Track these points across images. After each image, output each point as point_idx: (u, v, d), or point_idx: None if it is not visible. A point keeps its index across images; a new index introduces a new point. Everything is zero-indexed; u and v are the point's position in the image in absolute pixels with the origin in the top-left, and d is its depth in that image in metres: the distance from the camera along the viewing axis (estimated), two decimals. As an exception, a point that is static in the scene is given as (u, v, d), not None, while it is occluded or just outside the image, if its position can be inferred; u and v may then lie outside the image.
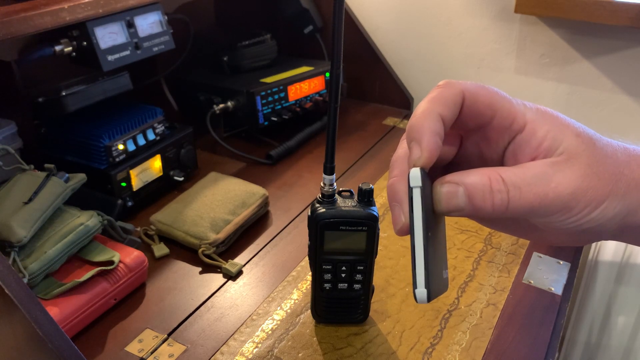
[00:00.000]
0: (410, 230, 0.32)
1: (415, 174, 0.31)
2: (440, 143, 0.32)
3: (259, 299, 0.72)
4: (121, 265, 0.70)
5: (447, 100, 0.33)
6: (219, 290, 0.74)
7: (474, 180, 0.31)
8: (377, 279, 0.74)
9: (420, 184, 0.31)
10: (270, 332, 0.67)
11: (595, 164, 0.32)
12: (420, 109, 0.33)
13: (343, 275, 0.63)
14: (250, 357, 0.63)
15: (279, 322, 0.68)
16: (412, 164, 0.32)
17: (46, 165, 0.74)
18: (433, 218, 0.33)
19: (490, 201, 0.31)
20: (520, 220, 0.36)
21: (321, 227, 0.60)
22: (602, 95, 1.12)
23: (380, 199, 0.92)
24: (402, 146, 0.37)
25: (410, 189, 0.32)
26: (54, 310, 0.63)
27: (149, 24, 0.85)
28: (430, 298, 0.33)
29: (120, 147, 0.84)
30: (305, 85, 1.12)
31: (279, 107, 1.09)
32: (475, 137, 0.36)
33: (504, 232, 0.38)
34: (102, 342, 0.65)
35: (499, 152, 0.35)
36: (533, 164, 0.32)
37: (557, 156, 0.32)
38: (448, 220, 0.86)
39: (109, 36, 0.79)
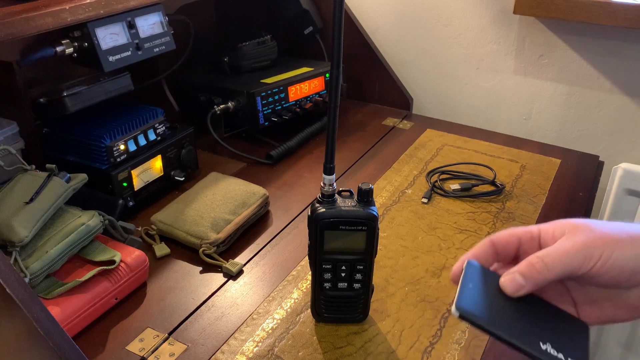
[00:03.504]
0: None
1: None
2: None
3: (259, 298, 0.72)
4: (122, 264, 0.70)
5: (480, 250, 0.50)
6: (220, 290, 0.74)
7: (522, 264, 0.46)
8: (377, 279, 0.74)
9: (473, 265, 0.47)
10: (270, 331, 0.67)
11: (596, 231, 0.45)
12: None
13: (343, 274, 0.63)
14: (250, 356, 0.63)
15: (279, 321, 0.68)
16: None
17: (47, 165, 0.74)
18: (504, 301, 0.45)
19: (536, 271, 0.44)
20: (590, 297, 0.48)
21: (321, 227, 0.60)
22: (601, 96, 1.12)
23: (379, 199, 0.92)
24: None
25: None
26: (55, 310, 0.63)
27: (150, 24, 0.85)
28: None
29: (122, 147, 0.84)
30: (305, 85, 1.12)
31: (279, 107, 1.09)
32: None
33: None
34: (103, 341, 0.65)
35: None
36: (554, 244, 0.46)
37: (566, 234, 0.46)
38: (447, 219, 0.86)
39: (110, 37, 0.79)
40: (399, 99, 1.26)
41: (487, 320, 0.42)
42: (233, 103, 1.07)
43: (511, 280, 0.46)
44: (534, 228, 0.49)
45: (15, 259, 0.64)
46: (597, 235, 0.45)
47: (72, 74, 0.85)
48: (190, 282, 0.75)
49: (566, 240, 0.45)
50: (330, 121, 0.55)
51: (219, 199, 0.84)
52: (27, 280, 0.63)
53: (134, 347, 0.64)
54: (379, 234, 0.63)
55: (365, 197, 0.60)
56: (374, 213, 0.60)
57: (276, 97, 1.08)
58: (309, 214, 0.61)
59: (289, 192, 0.95)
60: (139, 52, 0.83)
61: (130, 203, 0.86)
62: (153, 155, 0.89)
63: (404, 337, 0.66)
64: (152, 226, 0.83)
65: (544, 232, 0.48)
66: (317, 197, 0.61)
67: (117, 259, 0.69)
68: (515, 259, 0.49)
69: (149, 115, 0.89)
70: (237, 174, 0.99)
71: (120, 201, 0.84)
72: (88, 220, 0.71)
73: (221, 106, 1.06)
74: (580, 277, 0.45)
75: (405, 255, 0.79)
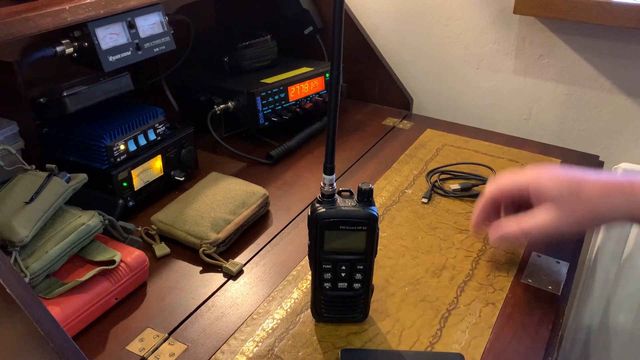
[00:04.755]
0: None
1: None
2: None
3: (259, 298, 0.72)
4: (122, 264, 0.70)
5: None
6: (220, 290, 0.74)
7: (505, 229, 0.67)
8: (377, 279, 0.74)
9: None
10: (270, 331, 0.67)
11: (570, 205, 0.61)
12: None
13: (343, 274, 0.63)
14: (250, 356, 0.63)
15: (279, 321, 0.68)
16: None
17: (47, 165, 0.74)
18: None
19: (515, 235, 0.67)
20: None
21: (321, 227, 0.60)
22: (601, 96, 1.13)
23: (379, 199, 0.92)
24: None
25: None
26: (55, 310, 0.63)
27: (150, 24, 0.85)
28: None
29: (122, 147, 0.84)
30: (305, 85, 1.12)
31: (279, 107, 1.09)
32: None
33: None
34: (103, 341, 0.66)
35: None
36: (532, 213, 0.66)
37: (547, 203, 0.63)
38: (447, 219, 0.86)
39: (110, 37, 0.79)
40: (399, 99, 1.26)
41: None
42: (233, 103, 1.07)
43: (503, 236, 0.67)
44: (524, 186, 0.65)
45: (15, 259, 0.64)
46: (574, 209, 0.61)
47: (72, 74, 0.85)
48: (190, 282, 0.75)
49: (546, 214, 0.62)
50: (330, 121, 0.55)
51: (219, 199, 0.84)
52: (27, 280, 0.63)
53: (134, 347, 0.64)
54: (379, 234, 0.63)
55: (365, 197, 0.60)
56: (374, 213, 0.60)
57: (276, 97, 1.08)
58: (309, 214, 0.61)
59: (289, 192, 0.95)
60: (139, 52, 0.83)
61: (130, 203, 0.86)
62: (153, 155, 0.89)
63: (404, 337, 0.66)
64: (152, 226, 0.83)
65: (533, 191, 0.64)
66: (317, 197, 0.61)
67: (117, 259, 0.69)
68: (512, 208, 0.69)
69: (149, 115, 0.89)
70: (237, 174, 0.99)
71: (120, 201, 0.84)
72: (88, 220, 0.71)
73: (221, 106, 1.06)
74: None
75: (405, 255, 0.79)
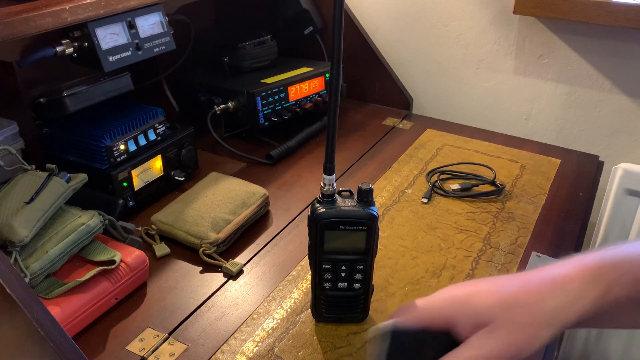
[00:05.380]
0: None
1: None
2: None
3: (259, 298, 0.72)
4: (122, 264, 0.70)
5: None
6: (220, 290, 0.74)
7: None
8: (377, 278, 0.74)
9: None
10: (270, 331, 0.67)
11: (516, 322, 0.44)
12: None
13: (343, 274, 0.63)
14: (250, 356, 0.63)
15: (279, 321, 0.68)
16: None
17: (47, 165, 0.74)
18: None
19: None
20: None
21: (321, 227, 0.60)
22: (601, 96, 1.13)
23: (379, 199, 0.92)
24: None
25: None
26: (56, 310, 0.63)
27: (150, 24, 0.85)
28: None
29: (122, 147, 0.84)
30: (305, 85, 1.12)
31: (279, 107, 1.09)
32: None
33: None
34: (103, 341, 0.66)
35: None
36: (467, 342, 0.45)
37: (486, 328, 0.44)
38: (447, 219, 0.86)
39: (110, 37, 0.79)
40: (399, 99, 1.26)
41: None
42: (233, 103, 1.07)
43: None
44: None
45: (15, 259, 0.64)
46: (520, 323, 0.44)
47: (72, 74, 0.85)
48: (190, 282, 0.75)
49: (485, 338, 0.45)
50: (330, 121, 0.55)
51: (219, 199, 0.84)
52: (27, 280, 0.63)
53: (134, 347, 0.64)
54: (379, 234, 0.63)
55: (365, 197, 0.60)
56: (374, 213, 0.60)
57: (276, 97, 1.08)
58: (309, 214, 0.61)
59: (289, 192, 0.95)
60: (139, 52, 0.83)
61: (130, 203, 0.86)
62: (153, 155, 0.89)
63: (404, 337, 0.66)
64: (152, 226, 0.83)
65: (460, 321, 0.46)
66: (317, 197, 0.61)
67: (117, 259, 0.69)
68: None
69: (149, 115, 0.89)
70: (237, 174, 0.99)
71: (120, 201, 0.84)
72: (88, 220, 0.71)
73: (221, 106, 1.06)
74: None
75: (405, 255, 0.79)
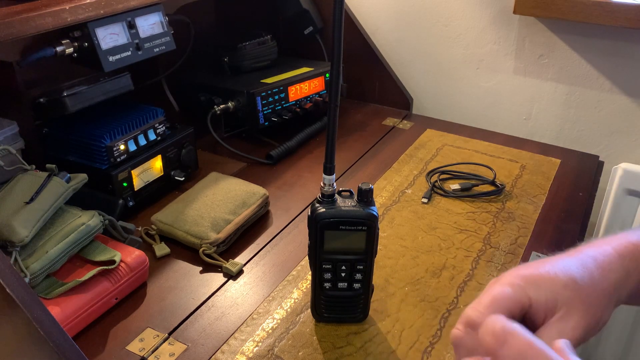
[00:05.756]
0: None
1: None
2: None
3: (259, 298, 0.72)
4: (122, 264, 0.70)
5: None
6: (220, 290, 0.74)
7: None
8: (377, 278, 0.74)
9: None
10: (270, 331, 0.67)
11: (587, 302, 0.44)
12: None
13: (343, 274, 0.63)
14: (250, 356, 0.63)
15: (279, 321, 0.68)
16: None
17: (47, 165, 0.74)
18: None
19: None
20: None
21: (321, 227, 0.60)
22: (601, 96, 1.13)
23: (379, 199, 0.92)
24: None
25: None
26: (56, 310, 0.63)
27: (150, 24, 0.85)
28: None
29: (122, 147, 0.84)
30: (305, 85, 1.12)
31: (279, 107, 1.09)
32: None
33: None
34: (103, 341, 0.66)
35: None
36: (545, 329, 0.43)
37: (559, 312, 0.43)
38: (447, 219, 0.86)
39: (110, 37, 0.79)
40: (399, 99, 1.26)
41: None
42: (233, 103, 1.07)
43: None
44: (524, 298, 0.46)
45: (15, 259, 0.64)
46: (591, 304, 0.44)
47: (72, 74, 0.85)
48: (190, 282, 0.75)
49: (562, 323, 0.44)
50: (330, 121, 0.55)
51: (219, 199, 0.84)
52: (27, 280, 0.63)
53: (134, 347, 0.64)
54: (379, 234, 0.63)
55: (365, 197, 0.60)
56: (374, 213, 0.60)
57: (276, 97, 1.08)
58: (309, 214, 0.61)
59: (289, 192, 0.95)
60: (139, 52, 0.83)
61: (130, 203, 0.86)
62: (153, 155, 0.89)
63: (404, 337, 0.66)
64: (152, 226, 0.83)
65: (534, 303, 0.45)
66: (317, 197, 0.61)
67: (117, 259, 0.69)
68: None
69: (149, 115, 0.89)
70: (237, 174, 0.99)
71: (121, 201, 0.84)
72: (88, 220, 0.71)
73: (221, 106, 1.06)
74: None
75: (405, 255, 0.79)
